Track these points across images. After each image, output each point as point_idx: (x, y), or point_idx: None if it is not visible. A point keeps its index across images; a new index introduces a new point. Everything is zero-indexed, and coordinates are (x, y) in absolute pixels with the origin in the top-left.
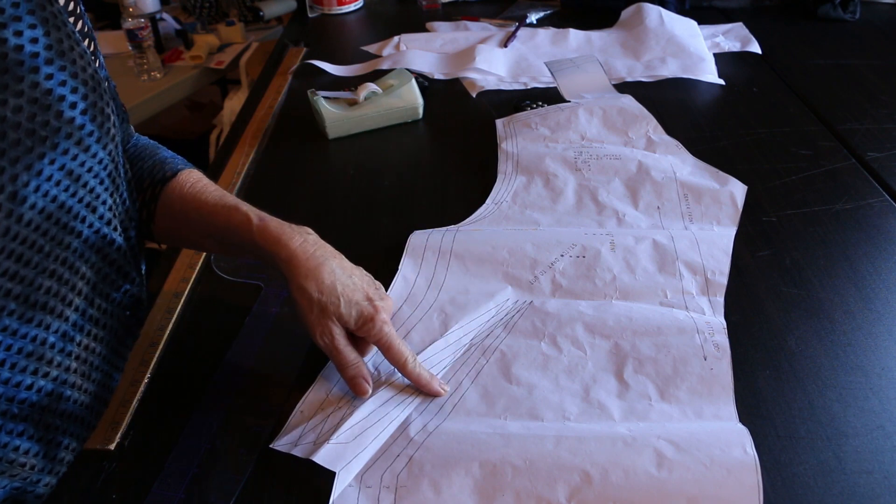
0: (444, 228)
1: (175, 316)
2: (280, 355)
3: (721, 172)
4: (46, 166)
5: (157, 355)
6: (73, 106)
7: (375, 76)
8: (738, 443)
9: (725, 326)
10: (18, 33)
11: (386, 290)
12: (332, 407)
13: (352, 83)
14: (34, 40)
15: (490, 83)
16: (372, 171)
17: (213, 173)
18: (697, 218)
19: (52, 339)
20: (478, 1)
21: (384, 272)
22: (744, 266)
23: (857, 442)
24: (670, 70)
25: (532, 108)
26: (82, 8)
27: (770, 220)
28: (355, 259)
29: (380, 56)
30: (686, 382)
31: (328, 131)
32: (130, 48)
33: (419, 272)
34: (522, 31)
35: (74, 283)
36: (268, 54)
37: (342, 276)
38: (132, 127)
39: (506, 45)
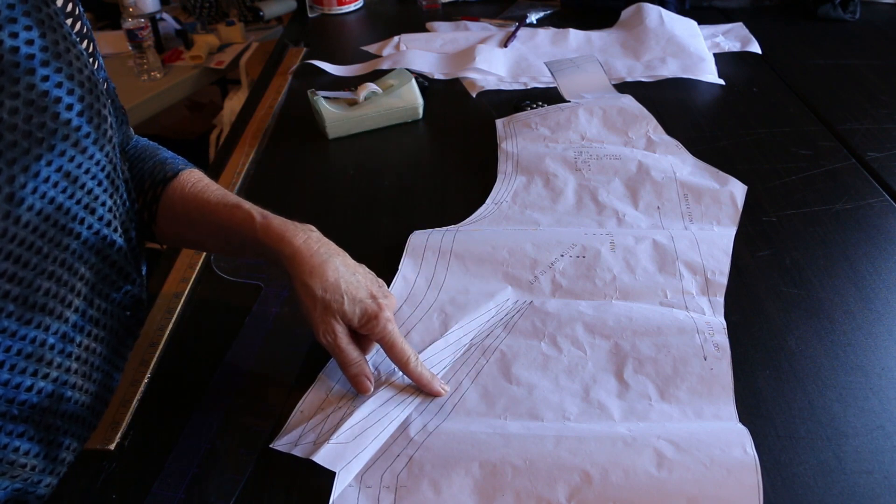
0: (444, 228)
1: (175, 316)
2: (280, 355)
3: (721, 172)
4: (43, 168)
5: (157, 355)
6: (70, 108)
7: (375, 76)
8: (738, 443)
9: (725, 326)
10: (14, 35)
11: None
12: (332, 407)
13: (352, 83)
14: (30, 42)
15: (490, 83)
16: (372, 171)
17: (214, 173)
18: (697, 218)
19: (51, 340)
20: (478, 1)
21: (384, 272)
22: (744, 266)
23: (857, 442)
24: (670, 70)
25: (532, 108)
26: (80, 9)
27: (770, 220)
28: (355, 259)
29: (380, 56)
30: (686, 382)
31: (328, 131)
32: (130, 48)
33: (419, 272)
34: (522, 31)
35: (73, 285)
36: (268, 54)
37: (346, 274)
38: (132, 129)
39: (506, 45)
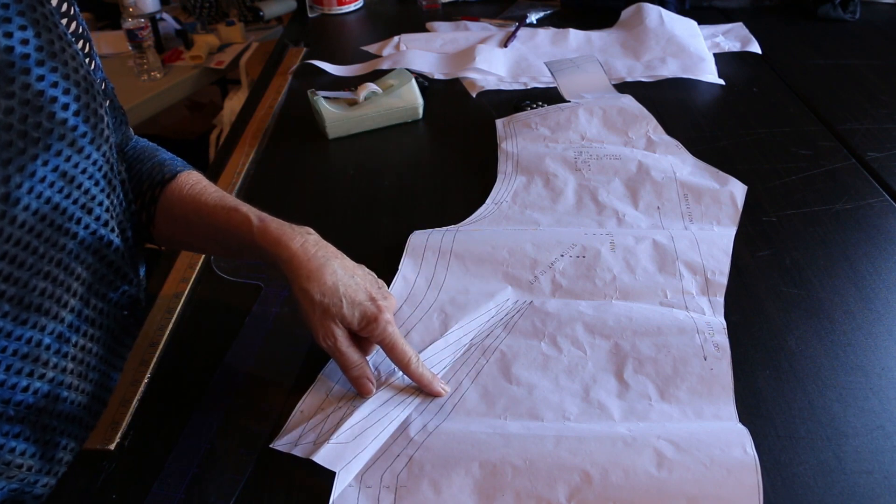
0: (444, 228)
1: (175, 316)
2: (280, 355)
3: (721, 172)
4: (39, 167)
5: (157, 355)
6: (66, 107)
7: (375, 76)
8: (738, 443)
9: (725, 326)
10: (9, 34)
11: None
12: (332, 407)
13: (352, 83)
14: (25, 41)
15: (490, 83)
16: (372, 171)
17: (213, 173)
18: (697, 218)
19: (47, 340)
20: (478, 1)
21: (384, 272)
22: (744, 266)
23: (857, 442)
24: (670, 70)
25: (532, 108)
26: (76, 9)
27: (770, 220)
28: (355, 259)
29: (380, 56)
30: (686, 382)
31: (328, 131)
32: (130, 48)
33: (419, 272)
34: (522, 31)
35: (70, 285)
36: (268, 54)
37: (344, 277)
38: (132, 129)
39: (506, 45)
